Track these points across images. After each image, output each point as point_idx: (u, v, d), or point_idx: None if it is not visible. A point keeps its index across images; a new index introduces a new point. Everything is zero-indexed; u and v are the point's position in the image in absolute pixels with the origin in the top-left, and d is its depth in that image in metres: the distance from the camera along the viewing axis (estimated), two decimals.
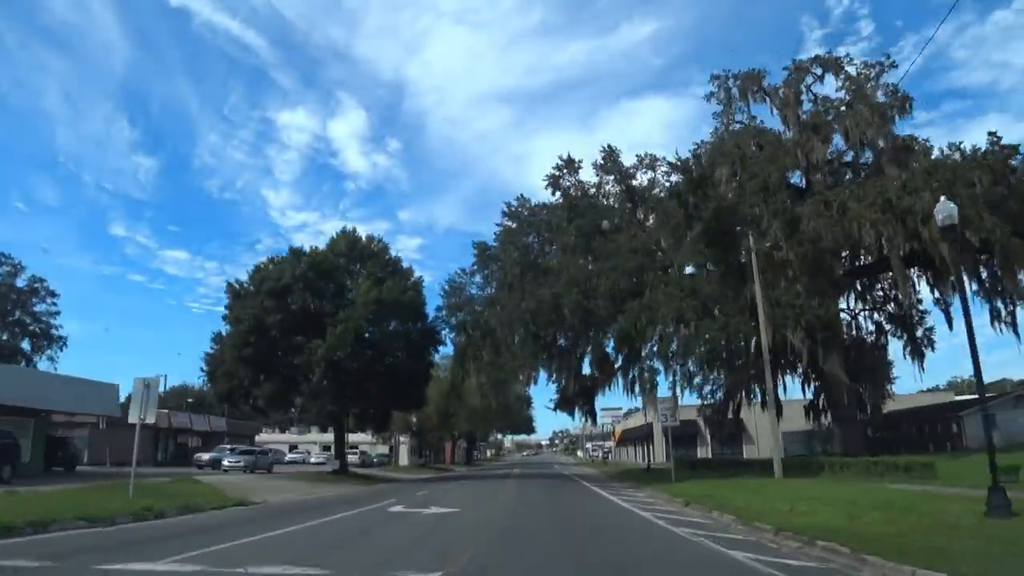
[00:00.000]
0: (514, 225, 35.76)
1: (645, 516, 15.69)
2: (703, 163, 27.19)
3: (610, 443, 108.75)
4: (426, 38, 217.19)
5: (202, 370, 38.90)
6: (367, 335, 36.52)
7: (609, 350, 29.95)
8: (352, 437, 77.53)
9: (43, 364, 60.71)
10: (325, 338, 34.12)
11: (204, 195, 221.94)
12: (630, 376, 29.30)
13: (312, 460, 63.56)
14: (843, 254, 33.25)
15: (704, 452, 64.66)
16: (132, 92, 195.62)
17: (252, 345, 35.63)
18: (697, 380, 29.65)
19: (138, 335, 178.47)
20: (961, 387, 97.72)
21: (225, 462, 38.07)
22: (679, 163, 26.57)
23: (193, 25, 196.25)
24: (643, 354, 27.16)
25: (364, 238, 39.88)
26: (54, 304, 63.13)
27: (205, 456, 43.17)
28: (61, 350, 63.69)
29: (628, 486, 29.17)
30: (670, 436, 27.47)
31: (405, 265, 41.25)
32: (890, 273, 38.96)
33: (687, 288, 24.02)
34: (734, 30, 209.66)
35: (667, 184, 33.67)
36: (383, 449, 75.79)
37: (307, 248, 38.51)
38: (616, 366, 37.10)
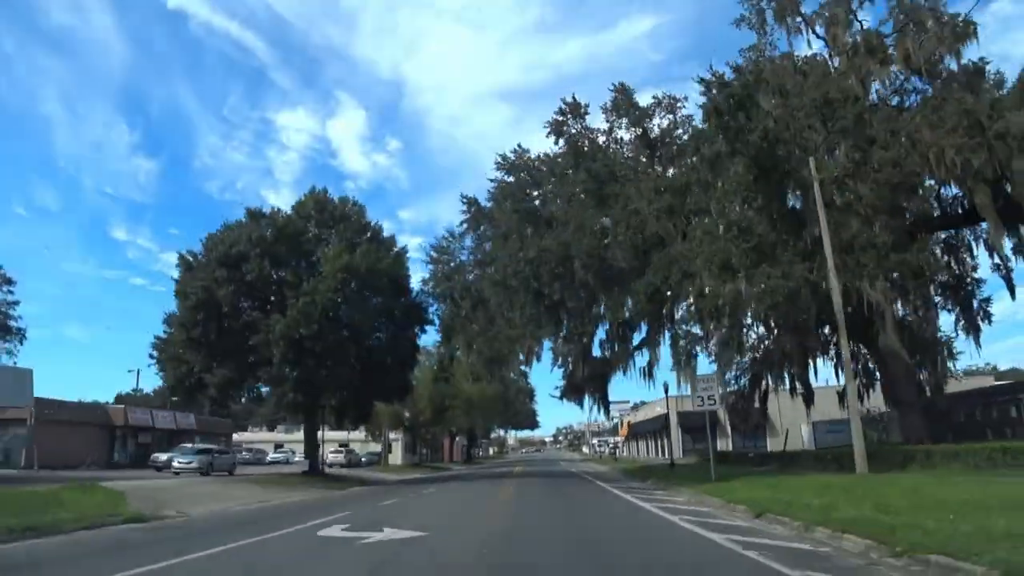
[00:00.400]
0: (511, 179, 29.98)
1: (713, 539, 10.02)
2: (747, 77, 21.39)
3: (617, 438, 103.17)
4: (424, 37, 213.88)
5: (151, 356, 33.24)
6: (339, 311, 30.82)
7: (629, 315, 23.96)
8: (343, 435, 72.07)
9: (2, 358, 55.35)
10: (286, 314, 28.48)
11: (204, 197, 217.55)
12: (656, 348, 23.57)
13: (296, 459, 58.01)
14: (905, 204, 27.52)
15: (724, 445, 58.89)
16: (131, 95, 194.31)
17: (201, 324, 30.00)
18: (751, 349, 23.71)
19: (140, 338, 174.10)
20: (983, 374, 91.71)
21: (175, 463, 32.52)
22: (715, 78, 20.84)
23: (191, 26, 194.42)
24: (676, 317, 21.49)
25: (337, 200, 34.16)
26: (11, 292, 57.40)
27: (162, 456, 37.80)
28: (21, 343, 58.21)
29: (655, 487, 23.56)
30: (709, 422, 21.88)
31: (387, 235, 35.70)
32: (942, 235, 33.32)
33: (736, 227, 18.34)
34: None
35: (690, 129, 28.01)
36: (376, 447, 70.03)
37: (268, 210, 32.70)
38: (633, 346, 31.45)
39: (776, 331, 19.51)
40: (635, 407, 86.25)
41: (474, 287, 27.19)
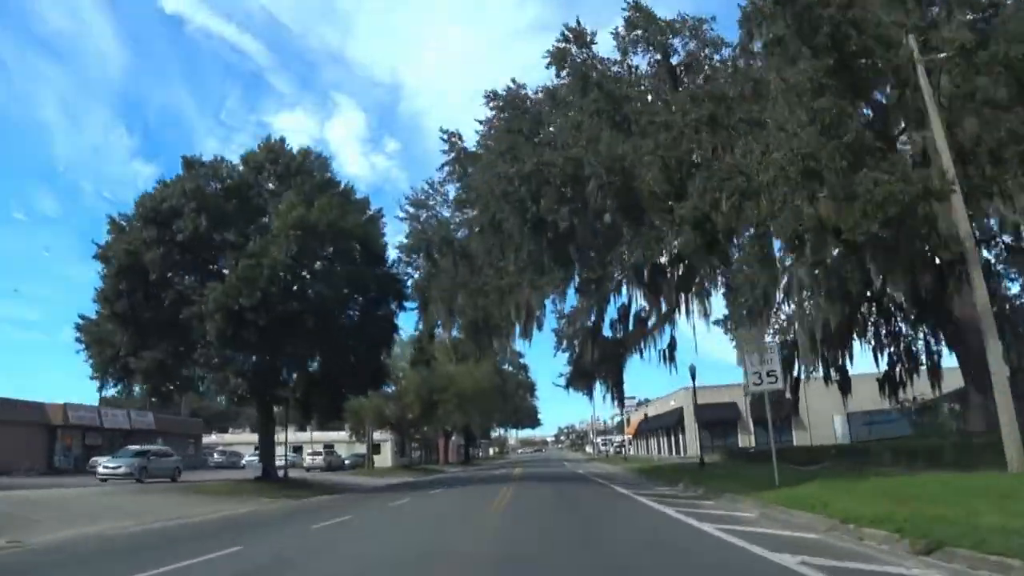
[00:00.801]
0: (504, 115, 24.22)
1: None
2: None
3: (621, 437, 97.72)
4: (421, 38, 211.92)
5: (78, 340, 27.57)
6: (295, 279, 25.24)
7: (665, 255, 17.58)
8: (327, 436, 66.33)
9: None
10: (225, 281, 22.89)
11: None
12: (705, 300, 17.78)
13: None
14: None
15: (746, 440, 53.25)
16: (129, 99, 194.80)
17: (126, 295, 24.45)
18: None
19: None
20: None
21: (99, 469, 26.94)
22: None
23: (188, 31, 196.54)
24: (731, 256, 15.71)
25: (296, 151, 28.48)
26: None
27: (102, 461, 32.18)
28: None
29: (692, 493, 17.92)
30: (768, 404, 16.38)
31: (360, 196, 30.04)
32: None
33: (823, 116, 12.62)
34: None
35: (723, 46, 22.48)
36: (363, 449, 64.19)
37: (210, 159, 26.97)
38: (647, 323, 25.89)
39: (876, 271, 13.92)
40: (640, 404, 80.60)
41: (457, 242, 21.51)
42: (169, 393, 30.23)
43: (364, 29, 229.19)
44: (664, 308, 20.19)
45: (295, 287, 24.82)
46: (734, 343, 37.17)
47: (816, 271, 13.69)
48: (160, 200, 24.93)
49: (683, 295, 18.90)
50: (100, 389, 28.53)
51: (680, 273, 18.10)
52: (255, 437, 77.96)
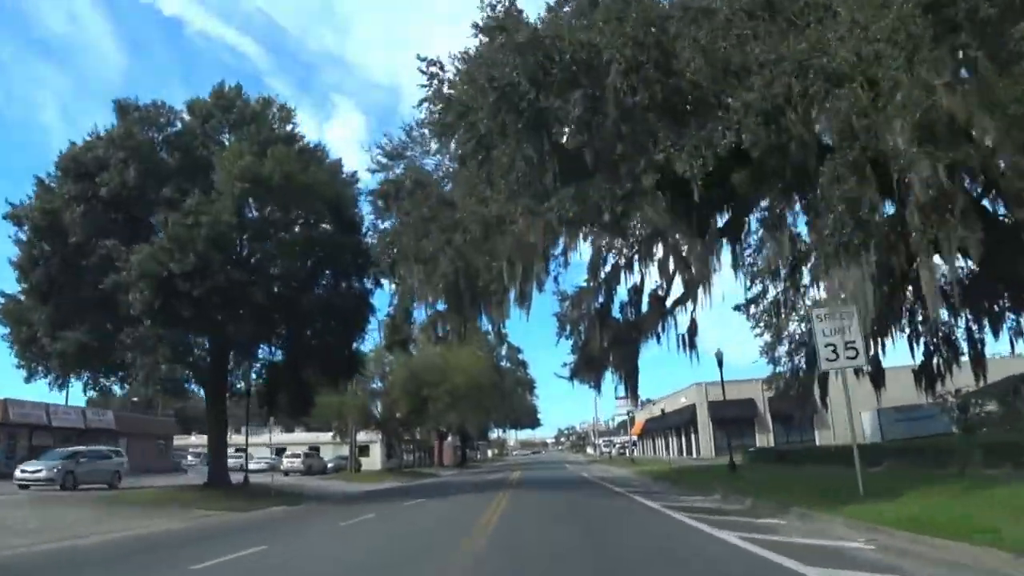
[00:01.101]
0: (501, 40, 19.72)
1: None
2: None
3: (623, 437, 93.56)
4: (419, 40, 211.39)
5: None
6: (246, 244, 21.06)
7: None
8: (317, 437, 62.11)
9: None
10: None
11: None
12: (778, 234, 13.32)
13: (251, 467, 47.93)
14: None
15: (764, 439, 49.04)
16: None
17: (42, 262, 20.33)
18: None
19: None
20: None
21: (18, 473, 22.72)
22: None
23: (187, 33, 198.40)
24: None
25: (254, 101, 24.24)
26: None
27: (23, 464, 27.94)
28: None
29: (743, 507, 13.63)
30: (847, 384, 12.31)
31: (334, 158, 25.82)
32: None
33: None
34: None
35: None
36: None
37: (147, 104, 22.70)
38: (664, 302, 21.97)
39: None
40: (644, 403, 76.32)
41: (436, 189, 17.13)
42: (112, 384, 25.97)
43: (363, 31, 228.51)
44: (695, 270, 15.77)
45: (247, 254, 20.66)
46: (757, 329, 33.20)
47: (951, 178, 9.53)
48: (85, 151, 20.79)
49: (733, 244, 14.57)
50: (27, 379, 24.08)
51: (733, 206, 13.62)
52: (238, 439, 73.71)
